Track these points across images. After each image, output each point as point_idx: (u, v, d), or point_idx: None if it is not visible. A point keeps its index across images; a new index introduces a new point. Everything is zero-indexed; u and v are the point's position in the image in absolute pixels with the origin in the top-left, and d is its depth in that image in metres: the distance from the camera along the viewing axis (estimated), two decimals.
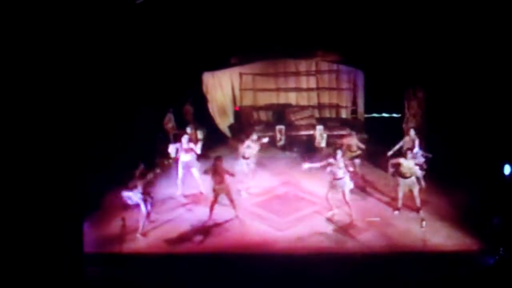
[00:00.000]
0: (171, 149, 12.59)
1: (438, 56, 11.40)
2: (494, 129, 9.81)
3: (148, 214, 8.96)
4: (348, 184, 9.16)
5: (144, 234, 8.94)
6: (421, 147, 10.34)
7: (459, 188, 10.17)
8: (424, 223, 8.94)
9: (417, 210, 9.43)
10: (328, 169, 9.12)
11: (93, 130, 9.23)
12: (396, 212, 9.55)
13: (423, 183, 10.12)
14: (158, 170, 11.51)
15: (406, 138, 10.45)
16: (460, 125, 11.13)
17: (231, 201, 9.43)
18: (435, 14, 11.02)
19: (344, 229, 9.12)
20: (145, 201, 8.84)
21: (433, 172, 10.58)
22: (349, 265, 8.05)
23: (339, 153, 9.15)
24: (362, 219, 9.40)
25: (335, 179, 9.09)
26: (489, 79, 10.31)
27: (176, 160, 10.41)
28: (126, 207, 9.60)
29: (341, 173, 9.05)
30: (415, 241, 8.66)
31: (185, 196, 10.42)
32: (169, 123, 12.91)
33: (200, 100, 13.83)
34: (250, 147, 10.32)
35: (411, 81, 11.90)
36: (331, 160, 9.10)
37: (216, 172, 9.12)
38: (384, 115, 14.63)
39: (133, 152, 10.26)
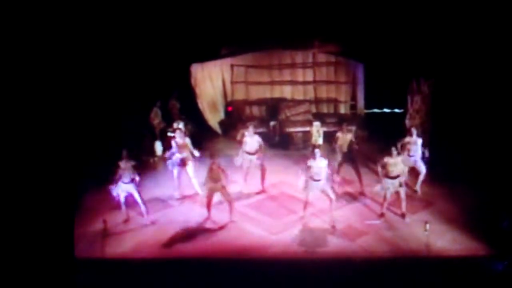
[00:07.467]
0: (158, 146, 12.26)
1: (444, 47, 11.32)
2: (503, 126, 9.60)
3: (144, 202, 9.21)
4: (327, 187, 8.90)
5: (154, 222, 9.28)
6: (424, 148, 10.03)
7: (465, 189, 9.99)
8: (428, 226, 8.66)
9: (403, 215, 9.16)
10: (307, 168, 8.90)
11: (74, 127, 8.93)
12: (379, 221, 9.04)
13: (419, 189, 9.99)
14: (152, 160, 11.94)
15: (408, 139, 9.99)
16: (467, 123, 10.97)
17: (229, 202, 9.26)
18: (439, 1, 10.99)
19: (342, 232, 8.86)
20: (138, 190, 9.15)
21: (438, 172, 10.34)
22: (347, 270, 7.83)
23: (317, 152, 8.82)
24: (361, 222, 9.16)
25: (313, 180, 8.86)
26: (496, 72, 10.19)
27: (168, 158, 10.07)
28: (108, 208, 9.43)
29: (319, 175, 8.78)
30: (418, 245, 8.45)
31: (182, 198, 10.14)
32: (156, 118, 12.68)
33: (188, 94, 13.64)
34: (247, 142, 10.07)
35: (415, 74, 11.72)
36: (310, 161, 8.80)
37: (212, 170, 9.05)
38: (386, 110, 14.44)
39: (115, 150, 9.87)
